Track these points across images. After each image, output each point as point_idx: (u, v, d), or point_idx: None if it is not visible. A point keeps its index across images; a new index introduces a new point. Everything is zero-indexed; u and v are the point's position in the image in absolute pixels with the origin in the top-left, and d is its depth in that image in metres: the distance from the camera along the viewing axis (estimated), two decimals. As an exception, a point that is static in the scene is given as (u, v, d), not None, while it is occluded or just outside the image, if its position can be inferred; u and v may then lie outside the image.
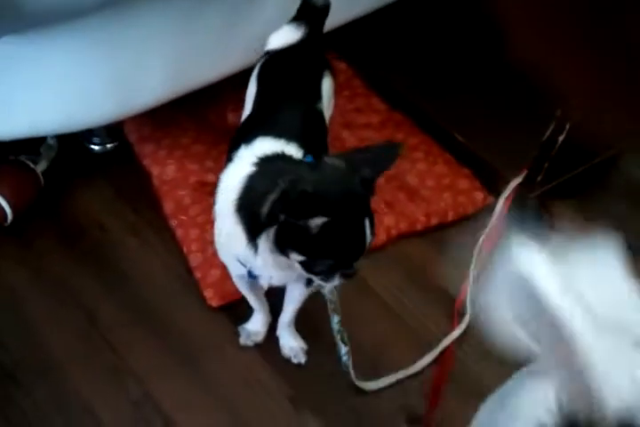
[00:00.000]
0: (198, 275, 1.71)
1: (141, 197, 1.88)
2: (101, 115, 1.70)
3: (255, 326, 1.63)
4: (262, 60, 1.59)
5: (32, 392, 1.53)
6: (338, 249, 1.19)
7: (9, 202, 1.76)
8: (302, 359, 1.60)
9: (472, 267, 1.69)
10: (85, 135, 1.95)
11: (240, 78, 1.70)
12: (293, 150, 1.32)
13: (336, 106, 1.66)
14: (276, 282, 1.38)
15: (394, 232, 1.80)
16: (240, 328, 1.63)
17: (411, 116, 2.01)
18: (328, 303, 1.46)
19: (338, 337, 1.51)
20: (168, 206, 1.83)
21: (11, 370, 1.57)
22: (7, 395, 1.53)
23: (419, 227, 1.82)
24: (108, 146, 1.98)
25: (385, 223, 1.78)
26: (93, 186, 1.90)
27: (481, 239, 1.73)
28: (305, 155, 1.33)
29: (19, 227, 1.79)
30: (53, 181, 1.87)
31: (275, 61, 1.58)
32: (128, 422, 1.52)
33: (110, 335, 1.64)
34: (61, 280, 1.72)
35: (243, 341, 1.62)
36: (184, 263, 1.75)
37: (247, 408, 1.55)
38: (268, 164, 1.27)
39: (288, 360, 1.61)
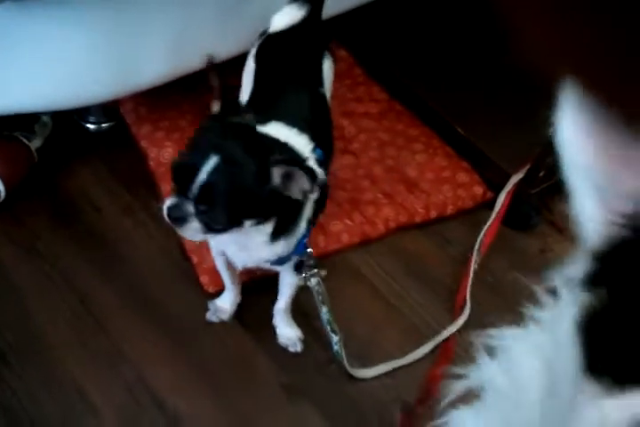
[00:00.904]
0: (194, 260, 1.69)
1: (136, 178, 1.86)
2: (99, 92, 1.67)
3: (224, 303, 1.62)
4: (261, 39, 1.56)
5: (24, 374, 1.51)
6: (175, 164, 1.22)
7: (2, 178, 1.73)
8: (299, 348, 1.60)
9: (473, 261, 1.69)
10: (81, 114, 1.93)
11: (240, 62, 1.68)
12: (304, 142, 1.33)
13: (336, 95, 1.64)
14: (248, 262, 1.40)
15: (392, 224, 1.79)
16: (210, 303, 1.63)
17: (411, 107, 1.99)
18: (315, 295, 1.46)
19: (328, 328, 1.51)
20: (165, 189, 1.80)
21: (2, 351, 1.54)
22: (-1, 376, 1.51)
23: (417, 219, 1.81)
24: (104, 125, 1.96)
25: (384, 214, 1.78)
26: (88, 165, 1.88)
27: (481, 234, 1.73)
28: (314, 148, 1.33)
29: (12, 204, 1.76)
30: (48, 159, 1.84)
31: (275, 41, 1.54)
32: (120, 406, 1.50)
33: (103, 318, 1.61)
34: (54, 260, 1.69)
35: (209, 316, 1.62)
36: (179, 247, 1.73)
37: (241, 395, 1.54)
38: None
39: (284, 348, 1.60)
